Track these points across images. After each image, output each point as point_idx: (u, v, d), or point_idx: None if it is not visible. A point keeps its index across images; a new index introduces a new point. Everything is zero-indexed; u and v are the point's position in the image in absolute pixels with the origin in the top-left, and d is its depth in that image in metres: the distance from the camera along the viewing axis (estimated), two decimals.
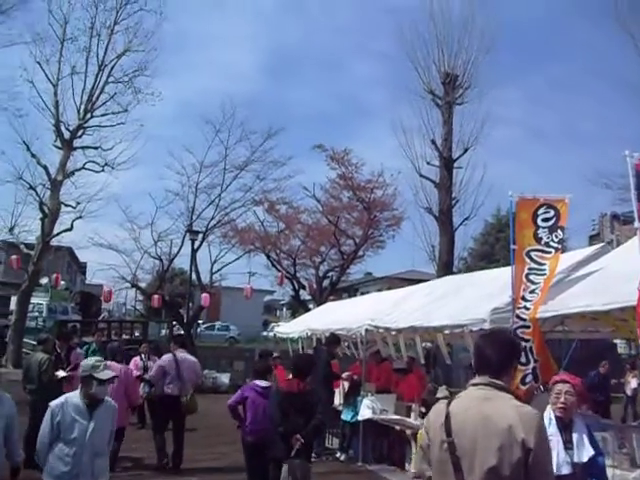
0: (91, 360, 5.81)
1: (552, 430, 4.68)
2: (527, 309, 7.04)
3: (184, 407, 10.79)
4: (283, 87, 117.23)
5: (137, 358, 14.54)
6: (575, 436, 4.75)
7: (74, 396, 5.61)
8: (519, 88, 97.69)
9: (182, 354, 11.18)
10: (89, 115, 27.93)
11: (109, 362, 10.33)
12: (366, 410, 11.37)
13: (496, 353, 3.41)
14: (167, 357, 11.15)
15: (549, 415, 4.79)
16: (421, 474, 3.49)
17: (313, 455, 11.49)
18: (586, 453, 4.68)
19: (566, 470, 4.61)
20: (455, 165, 23.31)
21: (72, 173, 27.88)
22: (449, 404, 3.36)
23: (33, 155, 26.93)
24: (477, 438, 3.16)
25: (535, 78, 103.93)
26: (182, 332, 29.34)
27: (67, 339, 12.07)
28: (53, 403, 5.53)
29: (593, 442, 4.82)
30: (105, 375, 5.64)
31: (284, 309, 70.76)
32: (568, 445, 4.71)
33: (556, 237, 7.37)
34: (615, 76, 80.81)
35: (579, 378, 5.20)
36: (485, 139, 23.28)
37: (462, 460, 3.18)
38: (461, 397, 3.41)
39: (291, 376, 8.04)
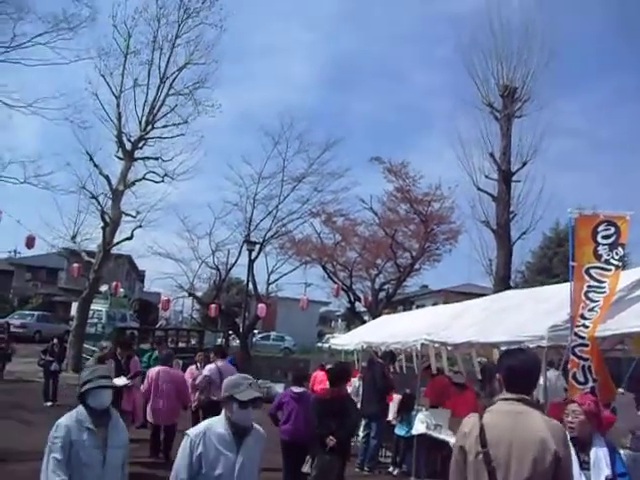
0: (234, 377, 4.81)
1: None
2: (586, 327, 6.92)
3: None
4: (342, 97, 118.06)
5: (193, 367, 14.78)
6: (592, 456, 4.80)
7: (217, 423, 4.58)
8: (582, 98, 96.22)
9: (223, 363, 12.11)
10: (150, 127, 28.47)
11: (162, 367, 11.68)
12: (420, 425, 11.31)
13: (529, 372, 3.70)
14: (211, 367, 12.00)
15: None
16: None
17: (366, 469, 11.69)
18: (602, 473, 4.73)
19: None
20: (514, 178, 23.09)
21: (133, 183, 28.44)
22: (481, 417, 3.58)
23: (96, 165, 27.56)
24: (512, 449, 3.38)
25: (599, 87, 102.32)
26: (238, 341, 29.62)
27: (128, 347, 12.38)
28: (192, 432, 4.51)
29: (614, 462, 4.83)
30: (247, 395, 4.49)
31: (339, 320, 70.69)
32: (584, 465, 4.78)
33: (616, 254, 7.23)
34: None
35: (592, 399, 5.28)
36: (545, 151, 23.00)
37: (497, 470, 3.38)
38: (493, 411, 3.64)
39: (328, 384, 8.93)
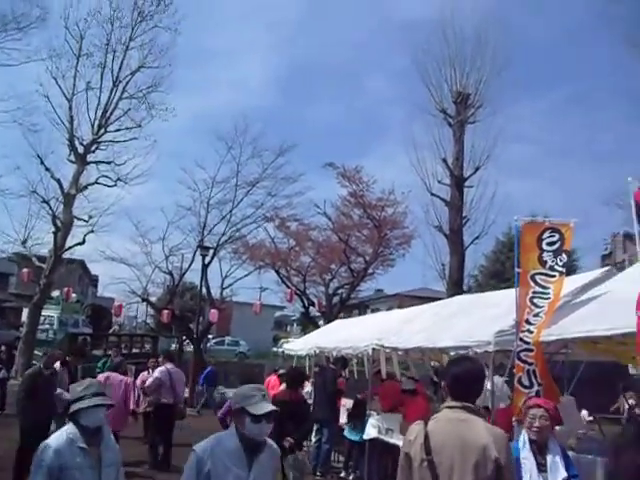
0: (245, 387, 4.30)
1: (525, 453, 4.87)
2: (531, 332, 7.03)
3: (178, 413, 12.35)
4: (297, 102, 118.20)
5: (145, 373, 14.70)
6: (549, 459, 4.86)
7: (227, 437, 4.14)
8: (535, 105, 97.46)
9: (172, 366, 12.49)
10: (103, 130, 28.19)
11: (111, 373, 11.80)
12: (372, 429, 11.36)
13: (473, 381, 3.78)
14: (161, 369, 12.28)
15: (524, 438, 4.92)
16: None
17: (318, 474, 11.74)
18: (559, 475, 4.78)
19: None
20: (466, 184, 23.38)
21: (85, 187, 28.13)
22: (426, 424, 3.66)
23: (47, 169, 27.20)
24: (455, 456, 3.47)
25: (551, 95, 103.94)
26: (192, 346, 29.41)
27: (81, 354, 12.35)
28: (199, 447, 4.03)
29: (568, 464, 4.90)
30: (261, 408, 4.05)
31: (295, 325, 70.68)
32: (542, 468, 4.83)
33: (560, 261, 7.37)
34: (633, 92, 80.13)
35: (552, 402, 5.36)
36: (497, 157, 23.37)
37: (441, 477, 3.47)
38: (437, 418, 3.72)
39: (284, 387, 9.55)
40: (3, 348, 18.25)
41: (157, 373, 12.20)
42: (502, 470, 3.43)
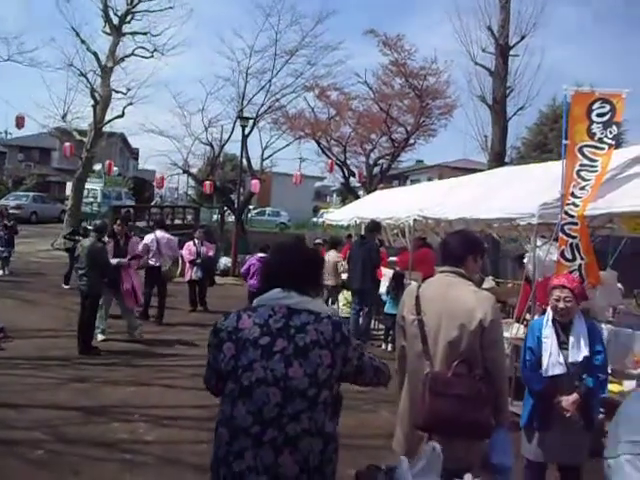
0: None
1: (547, 332, 4.93)
2: (576, 206, 6.95)
3: (164, 275, 13.52)
4: None
5: (190, 243, 15.03)
6: (572, 337, 4.86)
7: None
8: None
9: (161, 233, 13.69)
10: (137, 0, 27.63)
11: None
12: None
13: (458, 247, 3.99)
14: (150, 236, 13.61)
15: (547, 317, 4.94)
16: (398, 344, 4.17)
17: (358, 341, 11.92)
18: (581, 353, 4.79)
19: (558, 370, 4.80)
20: (511, 53, 22.61)
21: (122, 59, 27.93)
22: (419, 287, 3.98)
23: (83, 41, 27.00)
24: (442, 316, 3.75)
25: None
26: (233, 217, 29.78)
27: (125, 222, 12.79)
28: None
29: (594, 340, 4.89)
30: None
31: (334, 195, 70.93)
32: (563, 346, 4.87)
33: (610, 133, 7.16)
34: None
35: (578, 281, 5.32)
36: (545, 25, 22.39)
37: (428, 334, 3.78)
38: (430, 282, 4.05)
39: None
40: (84, 224, 18.80)
41: (145, 240, 13.43)
42: (486, 328, 3.64)
